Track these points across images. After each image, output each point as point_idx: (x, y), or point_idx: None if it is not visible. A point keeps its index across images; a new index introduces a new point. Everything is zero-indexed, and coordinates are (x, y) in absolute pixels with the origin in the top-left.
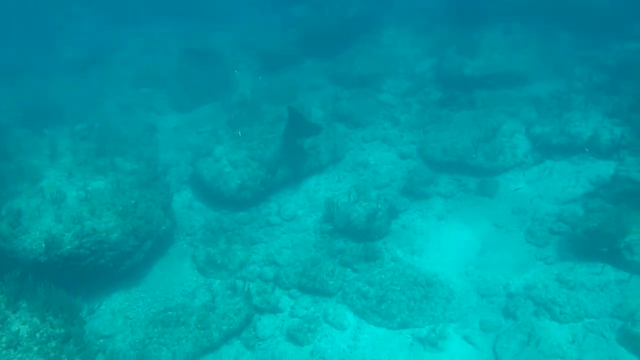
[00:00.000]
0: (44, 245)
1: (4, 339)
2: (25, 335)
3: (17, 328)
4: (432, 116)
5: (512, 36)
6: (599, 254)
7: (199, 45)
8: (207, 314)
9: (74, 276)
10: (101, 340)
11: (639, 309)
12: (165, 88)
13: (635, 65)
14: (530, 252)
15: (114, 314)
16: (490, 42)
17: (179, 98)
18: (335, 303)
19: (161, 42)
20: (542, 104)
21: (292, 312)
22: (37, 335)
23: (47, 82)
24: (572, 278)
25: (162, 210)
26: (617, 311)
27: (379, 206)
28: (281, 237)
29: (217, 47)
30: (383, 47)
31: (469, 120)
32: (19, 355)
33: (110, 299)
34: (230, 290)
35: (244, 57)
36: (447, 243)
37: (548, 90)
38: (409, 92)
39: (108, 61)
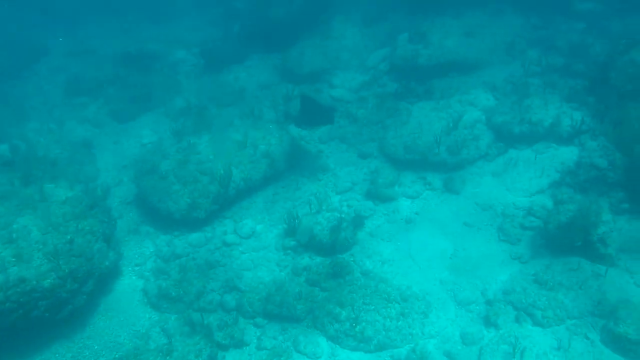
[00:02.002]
0: None
1: None
2: None
3: None
4: (389, 110)
5: (463, 21)
6: (573, 248)
7: (137, 46)
8: None
9: (1, 333)
10: None
11: (619, 304)
12: (101, 96)
13: (584, 46)
14: (504, 251)
15: None
16: (442, 29)
17: (118, 107)
18: (306, 329)
19: (94, 45)
20: (499, 91)
21: (259, 345)
22: None
23: None
24: (550, 277)
25: (105, 242)
26: (597, 309)
27: (343, 215)
28: (240, 258)
29: (156, 47)
30: (333, 39)
31: (428, 113)
32: None
33: (50, 351)
34: (189, 326)
35: (187, 57)
36: (418, 248)
37: (503, 75)
38: (363, 85)
39: (35, 68)
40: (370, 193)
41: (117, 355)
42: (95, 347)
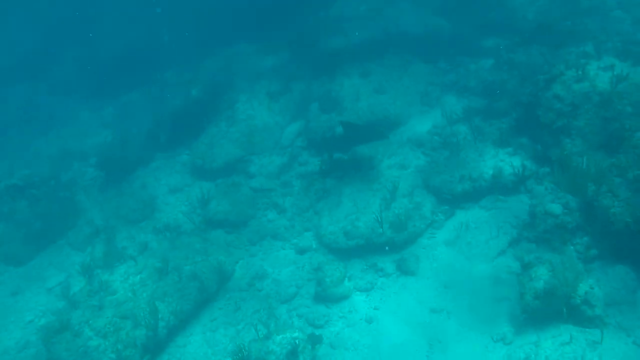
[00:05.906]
0: None
1: None
2: None
3: None
4: (318, 192)
5: (372, 78)
6: (557, 315)
7: (23, 174)
8: None
9: None
10: None
11: None
12: None
13: (498, 83)
14: (483, 334)
15: None
16: (352, 90)
17: (10, 249)
18: None
19: None
20: (427, 146)
21: None
22: None
23: None
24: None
25: None
26: None
27: (297, 334)
28: None
29: (46, 166)
30: (241, 122)
31: (360, 187)
32: None
33: None
34: None
35: (83, 170)
36: (388, 353)
37: (426, 127)
38: (283, 168)
39: None
40: (319, 295)
41: None
42: None
